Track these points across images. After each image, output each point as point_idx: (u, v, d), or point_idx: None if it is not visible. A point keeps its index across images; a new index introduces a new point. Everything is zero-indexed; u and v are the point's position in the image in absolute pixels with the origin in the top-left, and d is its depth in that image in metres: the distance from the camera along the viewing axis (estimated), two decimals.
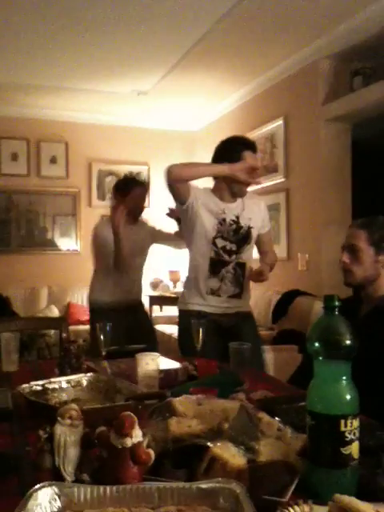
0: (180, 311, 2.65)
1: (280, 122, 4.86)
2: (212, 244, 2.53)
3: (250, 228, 2.58)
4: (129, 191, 3.13)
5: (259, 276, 2.48)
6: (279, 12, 3.75)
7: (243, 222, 2.56)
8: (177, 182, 2.47)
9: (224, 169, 2.52)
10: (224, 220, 2.53)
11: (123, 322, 2.85)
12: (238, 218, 2.56)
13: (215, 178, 2.61)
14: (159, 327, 5.85)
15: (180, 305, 2.65)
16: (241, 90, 5.38)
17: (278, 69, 4.79)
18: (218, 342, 2.32)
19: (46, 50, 4.39)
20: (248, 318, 2.64)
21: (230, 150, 2.56)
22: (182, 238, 2.87)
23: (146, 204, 3.27)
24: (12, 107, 5.88)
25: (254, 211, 2.61)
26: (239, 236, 2.55)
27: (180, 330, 2.61)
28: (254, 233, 2.61)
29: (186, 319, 2.45)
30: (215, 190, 2.58)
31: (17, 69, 4.83)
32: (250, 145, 2.57)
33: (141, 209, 3.22)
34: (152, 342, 3.14)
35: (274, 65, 4.74)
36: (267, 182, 4.82)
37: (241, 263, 2.57)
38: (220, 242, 2.53)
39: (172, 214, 3.08)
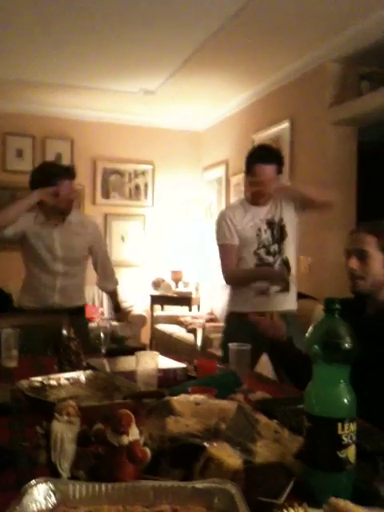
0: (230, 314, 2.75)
1: (286, 124, 4.85)
2: (254, 254, 2.62)
3: (282, 225, 2.64)
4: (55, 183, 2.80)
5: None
6: (287, 14, 3.74)
7: (276, 221, 2.66)
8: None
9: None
10: (260, 229, 2.63)
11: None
12: (271, 219, 2.66)
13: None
14: (160, 326, 5.86)
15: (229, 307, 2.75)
16: (247, 91, 5.37)
17: (285, 71, 4.78)
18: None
19: (53, 47, 4.39)
20: (294, 319, 2.67)
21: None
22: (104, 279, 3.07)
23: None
24: (18, 104, 5.88)
25: (280, 207, 2.70)
26: (276, 236, 2.64)
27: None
28: (289, 228, 2.67)
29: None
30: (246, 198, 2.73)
31: (23, 66, 4.84)
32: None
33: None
34: None
35: (281, 67, 4.73)
36: None
37: (285, 260, 2.66)
38: (262, 251, 2.61)
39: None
